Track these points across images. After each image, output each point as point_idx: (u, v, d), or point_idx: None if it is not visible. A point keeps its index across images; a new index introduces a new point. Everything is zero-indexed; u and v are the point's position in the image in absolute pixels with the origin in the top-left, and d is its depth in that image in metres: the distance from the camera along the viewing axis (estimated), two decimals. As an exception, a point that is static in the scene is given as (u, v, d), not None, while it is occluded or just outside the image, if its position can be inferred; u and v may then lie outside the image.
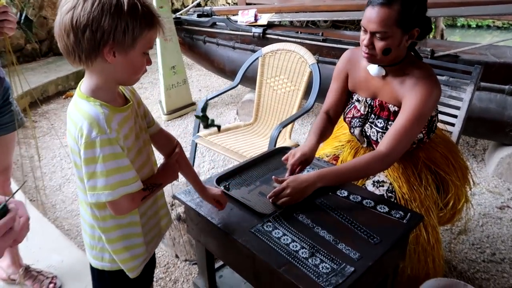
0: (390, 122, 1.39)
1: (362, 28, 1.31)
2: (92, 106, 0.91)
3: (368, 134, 1.47)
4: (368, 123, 1.46)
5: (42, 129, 3.42)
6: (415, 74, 1.34)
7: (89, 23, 0.82)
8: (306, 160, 1.39)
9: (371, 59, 1.34)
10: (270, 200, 1.26)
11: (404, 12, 1.23)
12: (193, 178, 1.22)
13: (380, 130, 1.43)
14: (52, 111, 3.84)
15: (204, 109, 1.32)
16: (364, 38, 1.31)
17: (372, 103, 1.45)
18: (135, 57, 0.90)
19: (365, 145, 1.54)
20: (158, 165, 1.13)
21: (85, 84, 0.95)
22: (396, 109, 1.38)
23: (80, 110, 0.91)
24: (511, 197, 2.41)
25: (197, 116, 1.32)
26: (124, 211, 0.97)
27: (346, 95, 1.57)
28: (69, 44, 0.85)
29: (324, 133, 1.54)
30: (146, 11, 0.88)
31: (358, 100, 1.49)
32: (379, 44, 1.28)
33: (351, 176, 1.34)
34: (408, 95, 1.32)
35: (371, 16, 1.26)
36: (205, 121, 1.24)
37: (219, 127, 1.29)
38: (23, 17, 1.35)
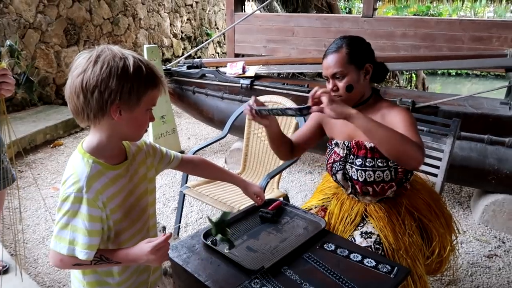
0: (368, 159, 1.46)
1: (325, 79, 1.49)
2: (82, 163, 0.97)
3: (350, 175, 1.52)
4: (348, 164, 1.52)
5: (28, 179, 3.38)
6: (383, 106, 1.50)
7: (98, 84, 0.89)
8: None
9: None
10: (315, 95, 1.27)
11: (352, 52, 1.43)
12: (230, 178, 1.33)
13: (359, 168, 1.48)
14: (39, 161, 3.82)
15: (221, 218, 1.21)
16: (328, 86, 1.48)
17: (349, 145, 1.52)
18: (139, 115, 0.97)
19: (349, 191, 1.57)
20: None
21: (87, 141, 1.00)
22: (372, 145, 1.45)
23: (71, 163, 0.99)
24: (498, 245, 2.42)
25: (210, 220, 1.21)
26: (55, 265, 0.99)
27: (313, 134, 1.66)
28: (79, 104, 0.91)
29: (285, 138, 1.59)
30: (150, 72, 0.95)
31: (337, 144, 1.57)
32: (341, 84, 1.44)
33: (388, 133, 1.27)
34: (391, 117, 1.43)
35: (327, 63, 1.46)
36: (215, 231, 1.20)
37: (231, 243, 1.22)
38: (24, 78, 1.39)
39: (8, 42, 1.39)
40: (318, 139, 1.68)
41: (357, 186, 1.52)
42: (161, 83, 0.99)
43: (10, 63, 1.37)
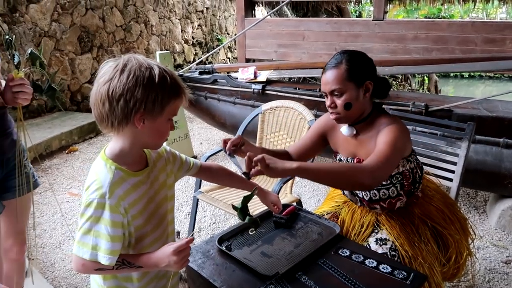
0: None
1: (324, 95, 1.44)
2: (105, 169, 0.99)
3: (355, 192, 1.52)
4: None
5: (44, 185, 3.44)
6: (382, 122, 1.43)
7: (124, 93, 0.91)
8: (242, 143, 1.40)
9: (338, 118, 1.44)
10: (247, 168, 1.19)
11: (351, 68, 1.37)
12: (246, 186, 1.33)
13: None
14: (54, 166, 3.88)
15: (244, 202, 1.22)
16: (326, 102, 1.43)
17: (352, 162, 1.50)
18: (161, 124, 0.99)
19: (359, 204, 1.57)
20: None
21: (110, 147, 1.02)
22: None
23: (94, 170, 1.01)
24: (515, 250, 2.38)
25: (234, 207, 1.23)
26: (77, 270, 1.00)
27: (315, 144, 1.61)
28: (104, 111, 0.93)
29: (277, 152, 1.57)
30: (174, 83, 0.97)
31: (340, 160, 1.56)
32: (339, 101, 1.39)
33: (331, 178, 1.26)
34: (379, 136, 1.38)
35: (326, 79, 1.41)
36: (242, 215, 1.21)
37: (256, 223, 1.24)
38: (46, 86, 1.43)
39: (29, 50, 1.42)
40: (320, 150, 1.64)
41: (364, 203, 1.52)
42: (183, 93, 1.00)
43: (31, 71, 1.40)
